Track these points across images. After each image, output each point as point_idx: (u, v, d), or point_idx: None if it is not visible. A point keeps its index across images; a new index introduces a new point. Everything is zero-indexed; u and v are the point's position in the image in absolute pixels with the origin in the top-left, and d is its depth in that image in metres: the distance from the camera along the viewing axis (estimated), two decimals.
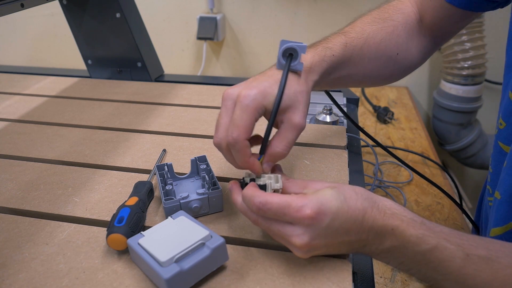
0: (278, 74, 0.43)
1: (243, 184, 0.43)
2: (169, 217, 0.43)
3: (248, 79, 0.45)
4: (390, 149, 1.00)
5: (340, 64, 0.50)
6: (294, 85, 0.43)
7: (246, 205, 0.40)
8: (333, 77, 0.51)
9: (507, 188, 0.47)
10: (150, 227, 0.42)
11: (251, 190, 0.39)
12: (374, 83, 0.60)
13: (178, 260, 0.37)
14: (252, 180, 0.43)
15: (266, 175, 0.43)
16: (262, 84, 0.42)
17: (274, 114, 0.41)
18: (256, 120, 0.42)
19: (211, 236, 0.40)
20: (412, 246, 0.36)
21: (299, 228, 0.37)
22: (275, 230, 0.38)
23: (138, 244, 0.40)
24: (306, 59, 0.46)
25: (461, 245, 0.36)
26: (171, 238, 0.40)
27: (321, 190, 0.38)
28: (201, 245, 0.39)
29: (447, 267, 0.36)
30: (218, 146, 0.43)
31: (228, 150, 0.42)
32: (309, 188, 0.41)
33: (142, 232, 0.41)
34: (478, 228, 0.66)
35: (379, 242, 0.37)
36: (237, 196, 0.42)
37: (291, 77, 0.43)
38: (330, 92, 0.65)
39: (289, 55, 0.44)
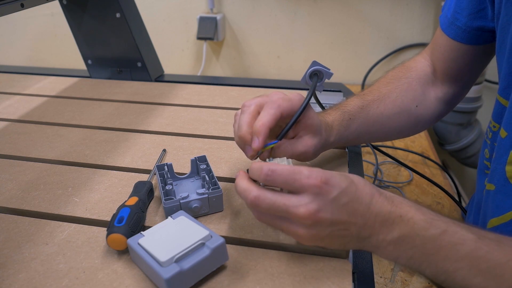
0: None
1: None
2: (169, 217, 0.43)
3: None
4: (390, 149, 1.00)
5: (358, 125, 0.54)
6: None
7: (254, 175, 0.39)
8: (353, 137, 0.54)
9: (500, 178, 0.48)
10: (150, 227, 0.42)
11: (259, 163, 0.39)
12: (401, 135, 0.62)
13: (178, 260, 0.37)
14: None
15: (276, 159, 0.44)
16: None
17: (306, 104, 0.45)
18: (282, 113, 0.44)
19: (211, 236, 0.40)
20: (422, 231, 0.36)
21: (307, 196, 0.36)
22: (280, 204, 0.36)
23: (138, 244, 0.40)
24: (327, 121, 0.51)
25: (471, 229, 0.36)
26: (171, 238, 0.40)
27: (329, 171, 0.38)
28: (201, 245, 0.39)
29: (459, 250, 0.35)
30: (246, 106, 0.45)
31: (253, 110, 0.44)
32: None
33: (142, 232, 0.41)
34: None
35: (386, 231, 0.37)
36: (241, 179, 0.40)
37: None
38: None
39: (315, 74, 0.50)
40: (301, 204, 0.36)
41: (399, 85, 0.58)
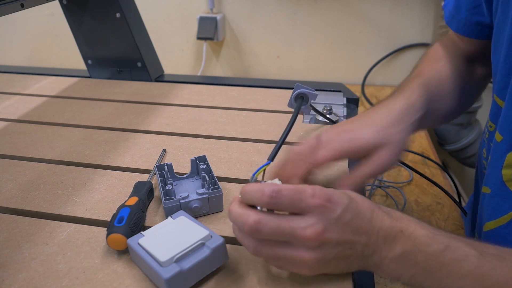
0: (362, 116, 0.47)
1: None
2: (169, 217, 0.43)
3: None
4: None
5: (427, 108, 0.50)
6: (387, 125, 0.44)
7: (252, 199, 0.36)
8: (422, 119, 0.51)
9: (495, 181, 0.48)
10: (150, 227, 0.42)
11: (254, 184, 0.36)
12: (460, 111, 0.63)
13: (178, 260, 0.37)
14: None
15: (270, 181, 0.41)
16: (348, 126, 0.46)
17: (283, 137, 0.47)
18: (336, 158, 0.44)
19: (211, 236, 0.40)
20: (424, 247, 0.35)
21: (312, 217, 0.34)
22: (285, 226, 0.34)
23: (138, 244, 0.40)
24: (397, 103, 0.47)
25: (472, 244, 0.35)
26: (171, 238, 0.40)
27: (327, 188, 0.37)
28: (201, 245, 0.39)
29: (462, 267, 0.34)
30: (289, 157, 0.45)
31: (291, 159, 0.44)
32: None
33: (142, 232, 0.41)
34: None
35: (388, 248, 0.36)
36: (234, 204, 0.37)
37: (387, 116, 0.45)
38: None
39: (300, 97, 0.52)
40: (307, 226, 0.34)
41: (446, 62, 0.57)
